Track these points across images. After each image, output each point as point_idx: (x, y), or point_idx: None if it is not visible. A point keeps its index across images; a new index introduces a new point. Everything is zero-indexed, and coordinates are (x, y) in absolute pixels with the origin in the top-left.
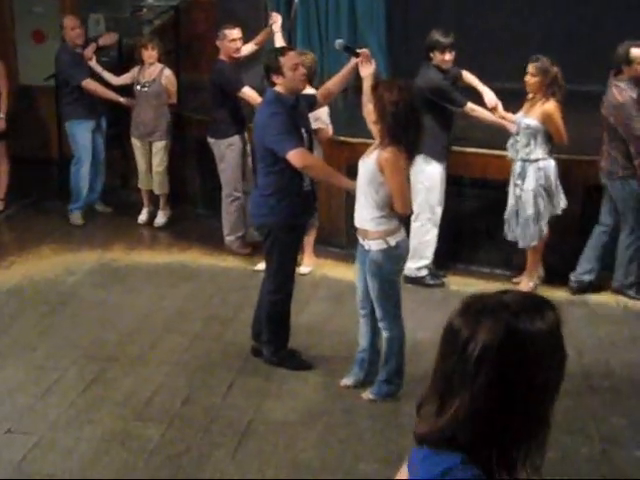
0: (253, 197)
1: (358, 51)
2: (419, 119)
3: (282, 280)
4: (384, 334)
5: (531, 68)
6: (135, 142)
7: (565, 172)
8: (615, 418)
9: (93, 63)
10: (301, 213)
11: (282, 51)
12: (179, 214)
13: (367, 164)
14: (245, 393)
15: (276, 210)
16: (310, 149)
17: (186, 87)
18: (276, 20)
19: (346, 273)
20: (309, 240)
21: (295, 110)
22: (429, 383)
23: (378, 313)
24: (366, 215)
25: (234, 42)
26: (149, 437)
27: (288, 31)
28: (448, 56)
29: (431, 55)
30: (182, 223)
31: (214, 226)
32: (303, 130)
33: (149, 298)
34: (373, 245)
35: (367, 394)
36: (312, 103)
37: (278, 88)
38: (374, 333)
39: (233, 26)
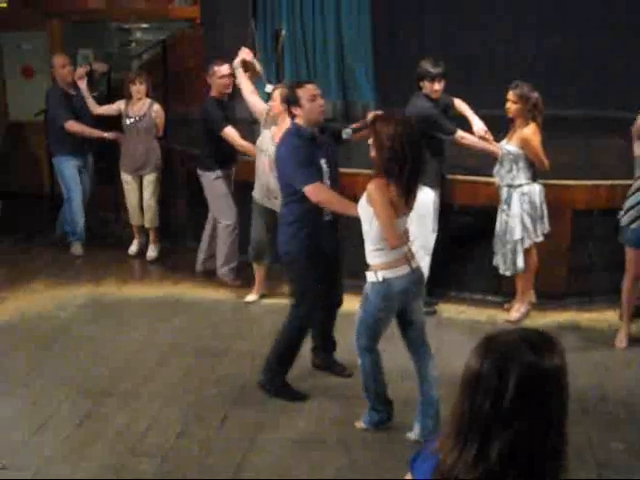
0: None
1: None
2: (418, 153)
3: (304, 311)
4: (358, 360)
5: (511, 95)
6: (125, 177)
7: (554, 197)
8: (611, 442)
9: (82, 85)
10: (322, 242)
11: (299, 83)
12: (169, 247)
13: (362, 197)
14: (239, 425)
15: (297, 238)
16: (334, 179)
17: (174, 121)
18: (240, 55)
19: None
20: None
21: (314, 142)
22: (455, 429)
23: (354, 337)
24: (366, 247)
25: (224, 78)
26: (144, 471)
27: (276, 63)
28: (437, 86)
29: (421, 84)
30: (172, 256)
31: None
32: (323, 161)
33: (141, 332)
34: (367, 276)
35: (359, 423)
36: (337, 136)
37: (298, 120)
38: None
39: (222, 62)
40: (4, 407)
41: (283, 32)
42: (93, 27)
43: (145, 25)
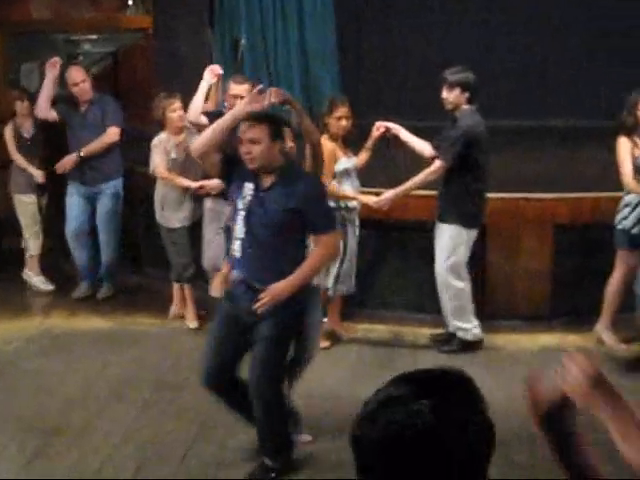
0: None
1: None
2: None
3: None
4: None
5: None
6: None
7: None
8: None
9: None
10: None
11: None
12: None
13: None
14: (200, 463)
15: None
16: None
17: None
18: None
19: None
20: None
21: None
22: None
23: None
24: None
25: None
26: None
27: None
28: (442, 93)
29: None
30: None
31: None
32: None
33: (92, 365)
34: None
35: None
36: None
37: None
38: None
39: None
40: None
41: (242, 41)
42: (37, 39)
43: (94, 36)
